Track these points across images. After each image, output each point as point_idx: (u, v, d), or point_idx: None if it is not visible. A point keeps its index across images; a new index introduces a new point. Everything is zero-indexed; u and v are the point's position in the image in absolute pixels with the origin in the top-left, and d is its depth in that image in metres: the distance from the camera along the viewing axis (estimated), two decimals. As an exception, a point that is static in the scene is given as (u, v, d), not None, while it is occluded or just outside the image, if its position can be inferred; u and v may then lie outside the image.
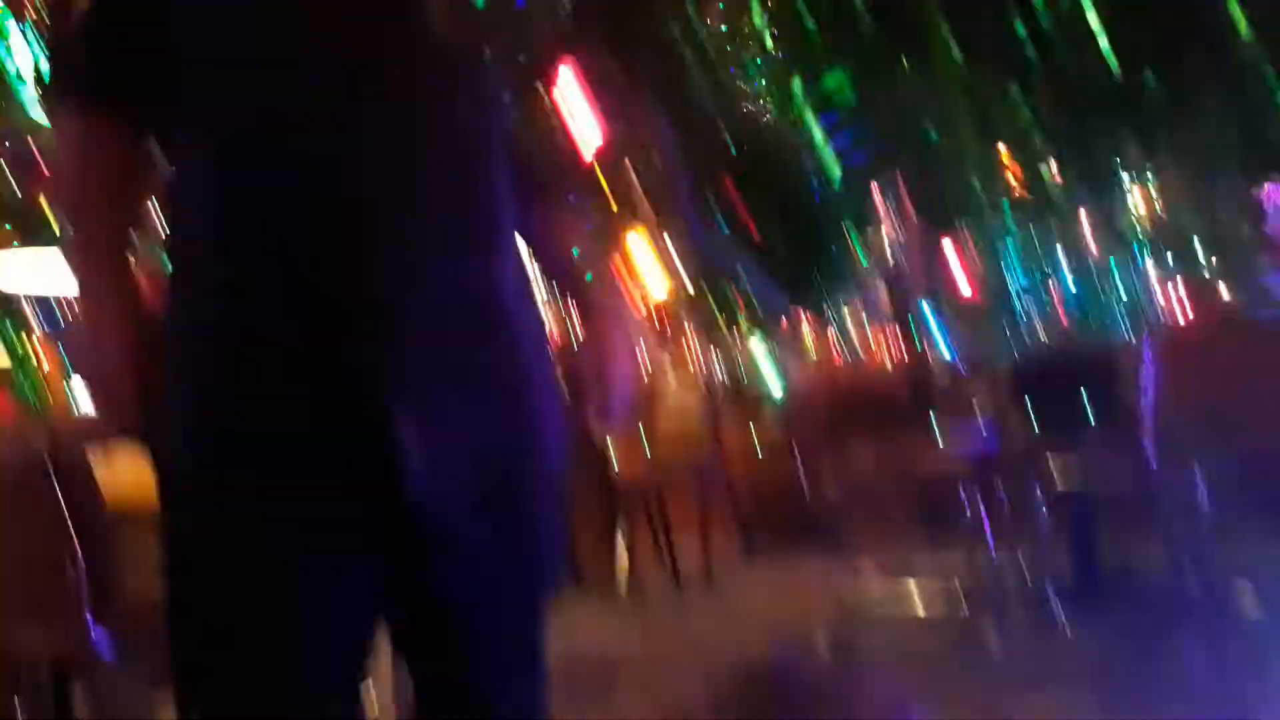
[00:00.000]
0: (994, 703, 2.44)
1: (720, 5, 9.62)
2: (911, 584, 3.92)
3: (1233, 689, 2.36)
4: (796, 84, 9.43)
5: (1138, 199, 7.38)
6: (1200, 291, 5.96)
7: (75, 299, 1.14)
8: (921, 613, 3.61)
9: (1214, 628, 2.90)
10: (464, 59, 1.18)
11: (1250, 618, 3.02)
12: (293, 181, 1.04)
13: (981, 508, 3.39)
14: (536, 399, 1.16)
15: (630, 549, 4.32)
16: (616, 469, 4.28)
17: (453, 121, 1.14)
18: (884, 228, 8.18)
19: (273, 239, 1.04)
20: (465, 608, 1.11)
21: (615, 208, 8.29)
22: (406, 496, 1.03)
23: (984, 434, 3.85)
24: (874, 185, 8.70)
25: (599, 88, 7.37)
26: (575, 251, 1.35)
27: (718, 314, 9.32)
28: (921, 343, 5.74)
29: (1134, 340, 3.09)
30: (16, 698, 2.16)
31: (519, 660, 1.17)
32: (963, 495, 3.47)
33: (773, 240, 9.32)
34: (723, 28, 9.67)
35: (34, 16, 5.09)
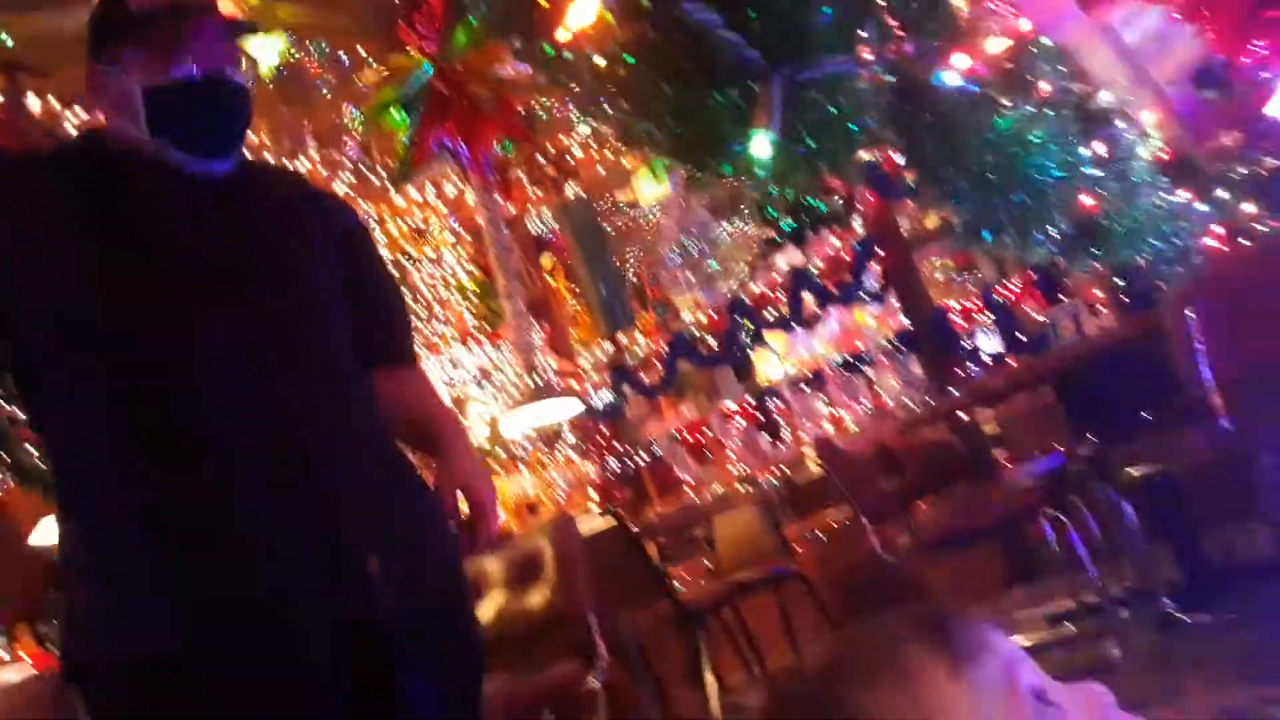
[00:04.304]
0: (1132, 713, 2.21)
1: None
2: (1018, 617, 3.74)
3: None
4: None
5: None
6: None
7: None
8: (1028, 643, 3.37)
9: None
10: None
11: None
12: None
13: (1069, 527, 3.06)
14: (442, 530, 1.41)
15: (716, 670, 4.18)
16: (683, 594, 4.19)
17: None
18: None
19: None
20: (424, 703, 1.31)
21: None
22: (380, 622, 1.25)
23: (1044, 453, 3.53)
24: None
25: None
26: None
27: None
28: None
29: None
30: None
31: None
32: (1044, 522, 3.13)
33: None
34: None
35: None
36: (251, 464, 1.23)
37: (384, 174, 5.60)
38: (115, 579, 1.20)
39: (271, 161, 4.50)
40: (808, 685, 0.58)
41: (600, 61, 0.74)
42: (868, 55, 0.81)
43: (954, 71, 0.88)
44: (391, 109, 4.44)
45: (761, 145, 0.77)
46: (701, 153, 0.82)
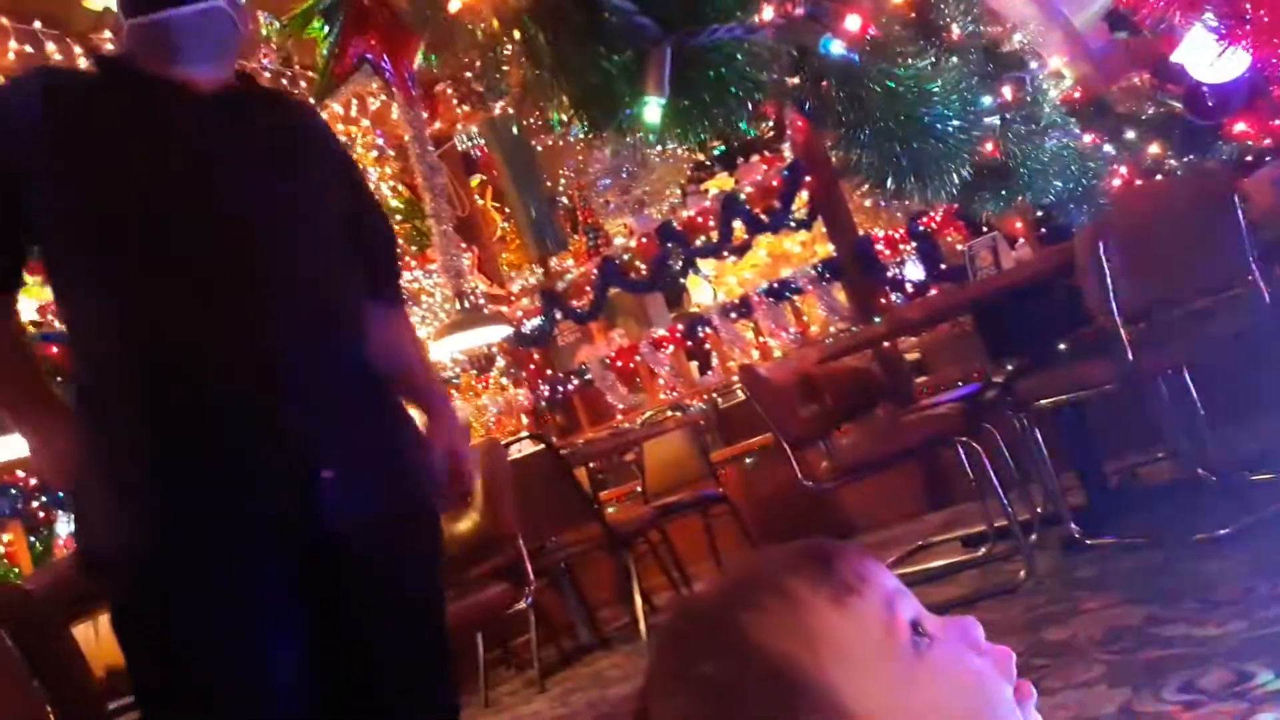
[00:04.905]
0: (1031, 631, 2.38)
1: None
2: (934, 540, 3.88)
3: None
4: None
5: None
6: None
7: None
8: (942, 562, 3.53)
9: (1232, 514, 2.74)
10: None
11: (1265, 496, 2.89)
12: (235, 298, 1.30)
13: (981, 454, 3.16)
14: (408, 443, 1.47)
15: (644, 591, 4.27)
16: (613, 517, 4.25)
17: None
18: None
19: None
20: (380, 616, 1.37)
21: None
22: (329, 529, 1.29)
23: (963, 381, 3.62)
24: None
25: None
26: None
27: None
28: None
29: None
30: None
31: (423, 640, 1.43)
32: (958, 448, 3.22)
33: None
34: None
35: None
36: (245, 386, 1.28)
37: (305, 87, 5.42)
38: (112, 487, 1.29)
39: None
40: (702, 608, 0.63)
41: (494, 23, 0.73)
42: (766, 15, 0.80)
43: (840, 42, 0.87)
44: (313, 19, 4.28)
45: (652, 111, 0.77)
46: (596, 113, 0.82)
